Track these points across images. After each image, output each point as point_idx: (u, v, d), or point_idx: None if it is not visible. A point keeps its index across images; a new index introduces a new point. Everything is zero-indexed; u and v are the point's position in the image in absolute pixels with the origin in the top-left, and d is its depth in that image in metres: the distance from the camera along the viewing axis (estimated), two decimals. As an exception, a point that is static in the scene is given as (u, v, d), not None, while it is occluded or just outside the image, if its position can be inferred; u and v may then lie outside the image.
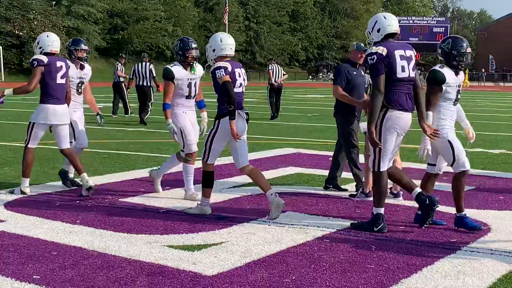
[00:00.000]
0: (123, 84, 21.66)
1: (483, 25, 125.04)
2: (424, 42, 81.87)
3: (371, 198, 8.15)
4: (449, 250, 6.00)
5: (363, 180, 8.45)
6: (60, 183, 9.11)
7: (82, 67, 8.92)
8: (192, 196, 8.21)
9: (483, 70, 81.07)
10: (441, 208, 7.81)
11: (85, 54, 8.81)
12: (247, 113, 7.49)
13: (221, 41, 7.39)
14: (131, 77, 19.99)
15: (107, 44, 70.40)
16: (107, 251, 5.88)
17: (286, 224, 6.95)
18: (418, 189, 6.81)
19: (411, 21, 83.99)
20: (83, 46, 8.88)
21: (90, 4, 67.33)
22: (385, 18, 6.73)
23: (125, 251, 5.87)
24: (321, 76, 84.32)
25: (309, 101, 35.03)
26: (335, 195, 8.58)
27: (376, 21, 6.74)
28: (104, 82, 60.45)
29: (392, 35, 6.73)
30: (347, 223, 6.98)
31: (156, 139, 14.98)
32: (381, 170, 6.69)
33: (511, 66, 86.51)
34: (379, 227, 6.65)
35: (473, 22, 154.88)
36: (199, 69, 8.24)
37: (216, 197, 8.25)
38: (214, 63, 7.40)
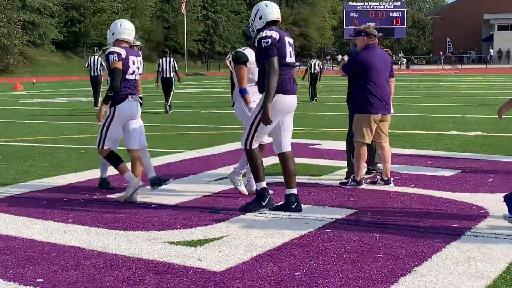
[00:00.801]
0: (102, 77, 22.33)
1: (438, 8, 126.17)
2: (381, 27, 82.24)
3: (363, 186, 8.15)
4: (453, 235, 5.96)
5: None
6: (42, 180, 8.88)
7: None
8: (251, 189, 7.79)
9: (440, 53, 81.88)
10: (432, 192, 7.80)
11: (137, 49, 8.31)
12: (141, 97, 7.85)
13: (120, 25, 7.69)
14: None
15: (64, 38, 69.33)
16: (107, 250, 5.71)
17: (283, 215, 6.85)
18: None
19: (368, 6, 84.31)
20: (136, 42, 8.27)
21: (46, -3, 66.27)
22: (266, 6, 7.05)
23: (126, 249, 5.71)
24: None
25: (274, 89, 34.94)
26: (325, 183, 8.51)
27: (258, 9, 7.07)
28: (61, 76, 59.67)
29: (273, 23, 7.05)
30: (343, 212, 6.92)
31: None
32: (252, 148, 7.05)
33: (467, 49, 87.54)
34: (266, 200, 6.99)
35: (427, 6, 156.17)
36: None
37: (205, 190, 8.13)
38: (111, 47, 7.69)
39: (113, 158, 7.73)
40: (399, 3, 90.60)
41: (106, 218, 6.82)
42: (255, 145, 7.07)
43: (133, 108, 7.70)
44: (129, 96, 7.64)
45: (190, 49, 74.58)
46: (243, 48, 7.74)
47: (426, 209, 7.03)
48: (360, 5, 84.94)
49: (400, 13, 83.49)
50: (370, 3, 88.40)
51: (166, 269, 5.15)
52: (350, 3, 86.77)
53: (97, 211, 7.14)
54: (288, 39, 6.99)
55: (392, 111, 8.99)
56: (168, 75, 20.88)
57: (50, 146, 12.49)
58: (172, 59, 21.19)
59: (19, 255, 5.58)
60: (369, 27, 8.31)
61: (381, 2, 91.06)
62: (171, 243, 5.88)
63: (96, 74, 22.58)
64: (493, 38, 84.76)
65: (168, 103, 20.61)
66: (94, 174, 9.43)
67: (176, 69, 21.21)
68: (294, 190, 7.07)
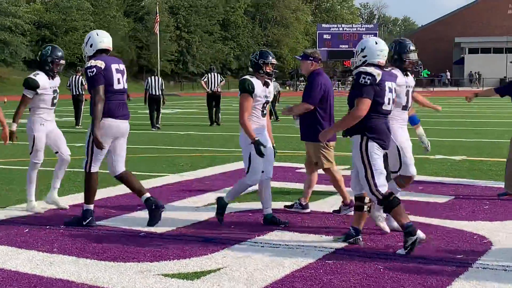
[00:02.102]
0: (84, 96, 22.98)
1: (407, 31, 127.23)
2: (354, 49, 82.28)
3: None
4: (460, 267, 5.73)
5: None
6: (23, 205, 8.49)
7: (267, 84, 7.48)
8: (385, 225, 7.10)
9: (412, 75, 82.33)
10: (429, 220, 7.58)
11: (272, 68, 7.43)
12: None
13: None
14: None
15: (35, 56, 68.42)
16: (98, 283, 5.38)
17: (279, 244, 6.56)
18: (148, 194, 7.53)
19: (341, 29, 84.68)
20: (272, 59, 7.45)
21: (17, 16, 65.42)
22: (97, 35, 7.49)
23: (118, 283, 5.38)
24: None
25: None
26: (319, 210, 8.25)
27: (90, 37, 7.48)
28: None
29: (104, 51, 7.45)
30: (341, 242, 6.65)
31: (108, 154, 14.35)
32: (92, 171, 7.47)
33: (439, 71, 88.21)
34: (87, 221, 7.37)
35: (398, 29, 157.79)
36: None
37: (194, 217, 7.83)
38: None
39: None
40: (372, 25, 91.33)
41: (93, 248, 6.48)
42: (93, 169, 7.45)
43: None
44: None
45: (163, 69, 74.07)
46: (390, 69, 6.91)
47: (427, 238, 6.78)
48: (333, 27, 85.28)
49: (372, 35, 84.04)
50: (343, 25, 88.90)
51: (164, 305, 4.84)
52: (323, 25, 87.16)
53: (83, 240, 6.79)
54: (116, 67, 7.35)
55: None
56: (156, 93, 22.04)
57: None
58: (160, 79, 22.46)
59: (4, 290, 5.23)
60: (315, 51, 8.15)
61: (353, 25, 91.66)
62: (166, 275, 5.57)
63: (77, 93, 22.86)
64: (464, 61, 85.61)
65: (159, 121, 22.20)
66: (76, 199, 9.08)
67: (163, 88, 22.40)
68: (90, 207, 7.50)
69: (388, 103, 6.41)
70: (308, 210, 8.13)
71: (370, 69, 6.30)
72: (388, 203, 6.28)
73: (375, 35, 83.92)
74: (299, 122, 8.11)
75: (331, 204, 8.56)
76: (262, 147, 7.10)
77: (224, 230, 7.23)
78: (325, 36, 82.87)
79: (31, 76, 8.27)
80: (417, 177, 10.74)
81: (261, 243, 6.64)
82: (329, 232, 7.07)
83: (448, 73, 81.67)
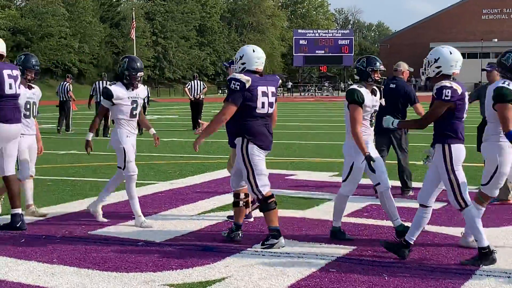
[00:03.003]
0: (70, 102, 23.75)
1: (382, 37, 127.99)
2: (330, 54, 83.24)
3: None
4: (464, 275, 5.76)
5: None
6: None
7: (374, 92, 7.06)
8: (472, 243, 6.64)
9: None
10: (426, 227, 7.60)
11: (381, 75, 6.94)
12: None
13: None
14: (91, 93, 22.11)
15: (10, 62, 67.90)
16: (103, 294, 5.34)
17: (281, 253, 6.55)
18: (18, 211, 7.68)
19: (317, 34, 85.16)
20: (380, 66, 6.94)
21: (-8, 21, 65.06)
22: None
23: (124, 293, 5.34)
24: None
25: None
26: (312, 218, 8.25)
27: None
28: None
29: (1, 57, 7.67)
30: (342, 249, 6.65)
31: (95, 162, 14.25)
32: (8, 175, 7.71)
33: (414, 76, 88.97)
34: (19, 225, 7.62)
35: (372, 34, 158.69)
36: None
37: (190, 226, 7.79)
38: None
39: None
40: (347, 31, 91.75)
41: (93, 258, 6.41)
42: (10, 172, 7.73)
43: None
44: None
45: (139, 75, 73.84)
46: (507, 83, 6.28)
47: (426, 245, 6.83)
48: (309, 33, 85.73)
49: (348, 41, 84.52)
50: (319, 31, 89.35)
51: (173, 316, 4.81)
52: (299, 31, 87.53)
53: (82, 249, 6.72)
54: (8, 72, 7.58)
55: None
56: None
57: (14, 177, 11.93)
58: (146, 86, 22.13)
59: (9, 302, 5.16)
60: None
61: (329, 30, 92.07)
62: (171, 286, 5.54)
63: (64, 99, 23.47)
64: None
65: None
66: (67, 207, 9.02)
67: (149, 95, 23.21)
68: (18, 210, 7.70)
69: (263, 107, 6.77)
70: (251, 219, 8.06)
71: (240, 76, 6.68)
72: (266, 204, 6.74)
73: (350, 41, 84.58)
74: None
75: (325, 211, 8.56)
76: (372, 162, 6.69)
77: (221, 238, 7.19)
78: (301, 42, 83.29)
79: (107, 85, 8.06)
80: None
81: (261, 251, 6.62)
82: (329, 240, 7.07)
83: (413, 79, 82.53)
